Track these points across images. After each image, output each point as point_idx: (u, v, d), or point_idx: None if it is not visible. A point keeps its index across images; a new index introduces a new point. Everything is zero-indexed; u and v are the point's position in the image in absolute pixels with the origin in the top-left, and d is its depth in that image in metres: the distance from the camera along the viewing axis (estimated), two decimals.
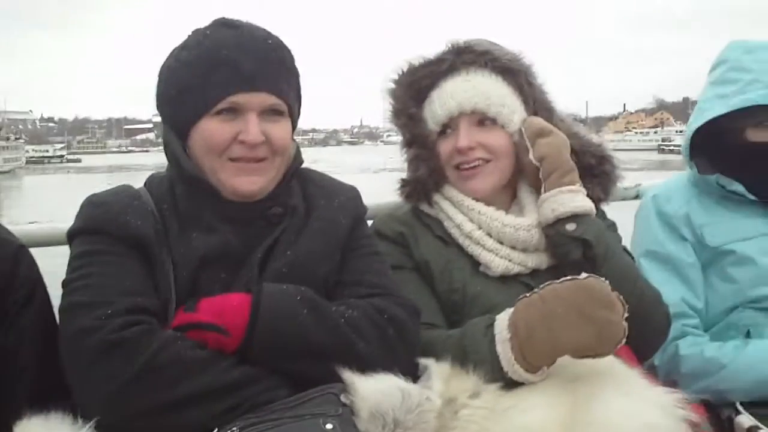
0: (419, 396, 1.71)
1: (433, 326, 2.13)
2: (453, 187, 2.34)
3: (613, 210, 2.52)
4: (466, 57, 2.33)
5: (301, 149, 2.06)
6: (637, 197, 3.14)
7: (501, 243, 2.25)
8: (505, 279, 2.23)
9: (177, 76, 1.90)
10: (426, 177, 2.32)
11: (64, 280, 1.81)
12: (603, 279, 1.85)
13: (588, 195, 2.25)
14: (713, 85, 2.63)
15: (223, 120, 1.86)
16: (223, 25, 1.92)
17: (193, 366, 1.67)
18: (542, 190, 2.24)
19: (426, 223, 2.35)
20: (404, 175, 2.40)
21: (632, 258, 2.42)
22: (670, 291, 2.44)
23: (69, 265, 1.84)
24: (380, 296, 1.93)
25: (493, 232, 2.25)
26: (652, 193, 2.75)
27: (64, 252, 1.96)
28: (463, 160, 2.29)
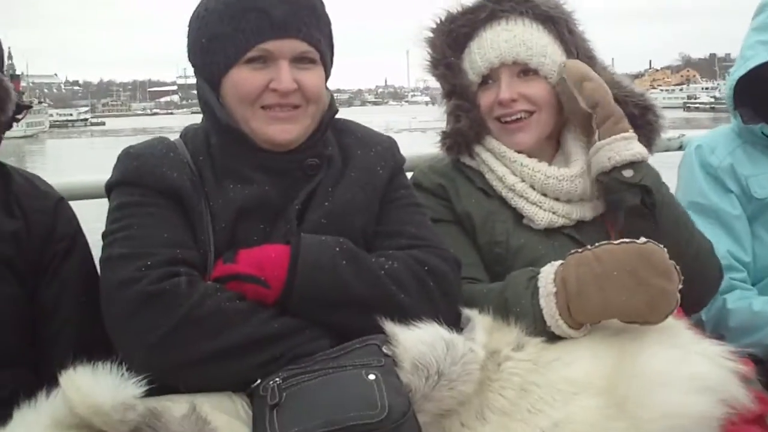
0: (463, 347, 1.69)
1: (474, 280, 2.11)
2: (495, 139, 2.29)
3: (655, 161, 2.46)
4: (505, 4, 2.27)
5: None
6: (680, 148, 3.09)
7: (545, 195, 2.21)
8: (549, 231, 2.20)
9: (206, 24, 1.87)
10: (467, 129, 2.27)
11: (104, 232, 1.81)
12: (661, 246, 1.80)
13: None
14: (756, 31, 2.54)
15: (254, 68, 1.84)
16: None
17: (234, 317, 1.66)
18: (596, 137, 2.18)
19: (467, 175, 2.31)
20: (443, 127, 2.35)
21: None
22: (716, 244, 2.38)
23: (108, 216, 1.83)
24: (420, 248, 1.90)
25: (536, 184, 2.21)
26: (696, 143, 2.69)
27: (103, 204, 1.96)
28: (505, 113, 2.25)
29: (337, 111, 2.00)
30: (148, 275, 1.66)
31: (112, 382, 1.52)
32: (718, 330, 2.41)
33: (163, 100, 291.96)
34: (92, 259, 1.98)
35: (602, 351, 1.80)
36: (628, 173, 2.12)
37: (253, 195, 1.84)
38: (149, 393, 1.56)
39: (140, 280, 1.65)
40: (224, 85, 1.87)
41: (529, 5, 2.26)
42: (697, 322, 2.35)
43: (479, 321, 1.83)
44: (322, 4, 1.93)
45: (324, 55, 1.92)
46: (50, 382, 1.55)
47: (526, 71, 2.24)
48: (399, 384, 1.61)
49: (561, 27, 2.28)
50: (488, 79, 2.27)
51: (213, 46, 1.85)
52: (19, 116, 1.90)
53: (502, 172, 2.25)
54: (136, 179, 1.83)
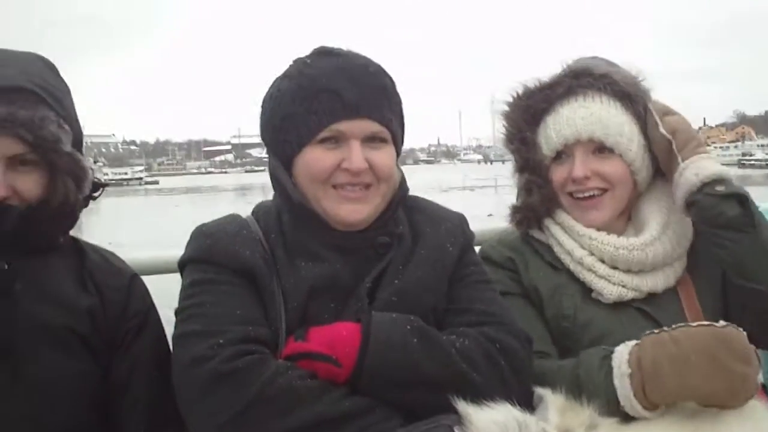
0: (536, 427, 1.66)
1: (542, 354, 2.08)
2: (564, 212, 2.28)
3: None
4: (583, 80, 2.25)
5: None
6: None
7: (614, 268, 2.18)
8: (617, 305, 2.16)
9: (280, 105, 1.90)
10: (538, 204, 2.27)
11: (176, 309, 1.83)
12: (741, 329, 1.77)
13: None
14: None
15: (326, 148, 1.85)
16: (323, 53, 1.92)
17: (305, 396, 1.65)
18: (679, 160, 2.14)
19: (536, 249, 2.30)
20: (514, 200, 2.35)
21: None
22: None
23: (181, 293, 1.86)
24: (491, 324, 1.88)
25: (606, 257, 2.18)
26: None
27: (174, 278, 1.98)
28: (578, 189, 2.23)
29: (407, 190, 2.01)
30: (220, 353, 1.66)
31: None
32: None
33: (217, 159, 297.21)
34: (165, 335, 2.00)
35: (679, 428, 1.76)
36: (720, 187, 2.08)
37: (324, 274, 1.84)
38: None
39: (213, 358, 1.66)
40: (297, 164, 1.89)
41: (607, 81, 2.23)
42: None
43: (552, 400, 1.79)
44: (393, 83, 1.95)
45: (395, 134, 1.93)
46: None
47: (601, 149, 2.21)
48: None
49: (638, 105, 2.25)
50: (562, 154, 2.26)
51: (286, 126, 1.88)
52: (96, 194, 1.95)
53: (571, 246, 2.23)
54: (209, 257, 1.85)
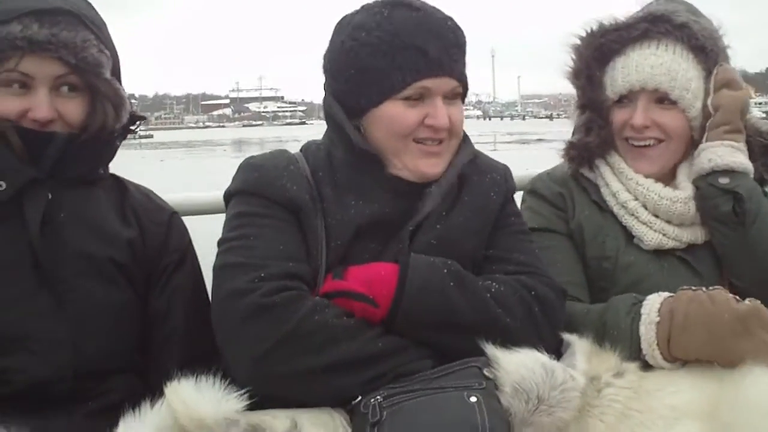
0: (563, 373, 1.67)
1: (575, 299, 2.09)
2: (617, 155, 2.27)
3: None
4: (660, 26, 2.19)
5: None
6: None
7: (656, 216, 2.18)
8: (659, 252, 2.17)
9: (357, 56, 1.85)
10: (595, 145, 2.25)
11: (220, 239, 1.84)
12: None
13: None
14: None
15: (410, 105, 1.85)
16: (401, 5, 1.88)
17: (340, 333, 1.67)
18: (705, 138, 2.16)
19: (583, 186, 2.29)
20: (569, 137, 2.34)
21: None
22: None
23: (226, 224, 1.86)
24: (528, 274, 1.89)
25: (649, 204, 2.18)
26: None
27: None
28: (635, 136, 2.21)
29: (472, 145, 2.01)
30: (260, 287, 1.67)
31: (215, 395, 1.54)
32: None
33: (215, 113, 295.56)
34: (201, 273, 2.04)
35: (702, 381, 1.78)
36: (724, 180, 2.09)
37: (374, 213, 1.85)
38: (251, 406, 1.57)
39: (253, 291, 1.67)
40: (372, 116, 1.87)
41: (686, 32, 2.18)
42: None
43: (579, 346, 1.82)
44: (465, 37, 1.93)
45: (466, 89, 1.94)
46: (156, 390, 1.58)
47: (665, 99, 2.18)
48: (499, 407, 1.60)
49: (711, 62, 2.20)
50: (625, 98, 2.23)
51: (364, 79, 1.85)
52: (133, 126, 1.95)
53: (617, 188, 2.22)
54: (256, 189, 1.85)
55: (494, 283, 1.82)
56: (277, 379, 1.63)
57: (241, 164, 1.93)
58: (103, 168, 1.94)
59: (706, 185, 2.12)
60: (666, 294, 1.88)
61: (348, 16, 1.93)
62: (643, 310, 1.86)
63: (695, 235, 2.17)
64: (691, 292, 1.84)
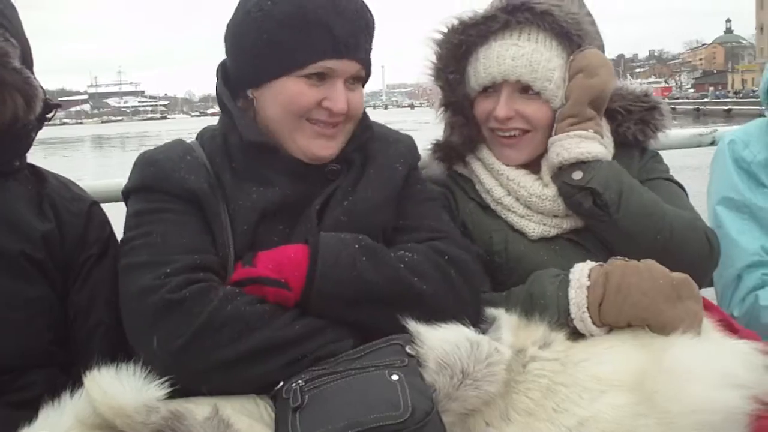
0: (488, 347, 1.66)
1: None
2: (486, 148, 2.26)
3: (687, 157, 2.41)
4: (520, 16, 2.14)
5: None
6: (713, 143, 3.03)
7: (529, 209, 2.17)
8: (546, 238, 2.15)
9: (260, 27, 1.82)
10: (459, 144, 2.24)
11: (122, 240, 1.83)
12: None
13: (623, 134, 2.22)
14: None
15: (310, 84, 1.83)
16: None
17: (254, 321, 1.66)
18: (553, 131, 2.15)
19: (461, 185, 2.28)
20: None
21: (683, 189, 2.29)
22: (749, 239, 2.36)
23: (126, 223, 1.84)
24: (440, 239, 1.89)
25: (521, 199, 2.17)
26: (729, 138, 2.63)
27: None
28: (500, 127, 2.19)
29: (370, 126, 2.00)
30: (167, 283, 1.66)
31: (135, 383, 1.54)
32: (750, 327, 2.33)
33: (73, 109, 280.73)
34: None
35: (630, 348, 1.77)
36: (577, 175, 2.07)
37: (274, 198, 1.84)
38: (172, 395, 1.57)
39: (161, 288, 1.66)
40: (268, 88, 1.86)
41: (548, 20, 2.13)
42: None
43: (505, 320, 1.81)
44: (374, 22, 1.92)
45: (368, 73, 1.93)
46: (79, 382, 1.57)
47: (528, 89, 2.15)
48: (422, 384, 1.59)
49: (576, 47, 2.16)
50: (489, 89, 2.19)
51: (267, 50, 1.83)
52: (49, 115, 1.91)
53: (490, 184, 2.21)
54: (153, 184, 1.83)
55: (407, 253, 1.81)
56: (195, 372, 1.62)
57: (136, 160, 1.91)
58: (19, 160, 1.90)
59: (562, 183, 2.09)
60: (593, 263, 1.88)
61: None
62: (571, 276, 1.86)
63: (574, 222, 2.15)
64: (623, 260, 1.85)
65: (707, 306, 1.95)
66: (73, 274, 1.88)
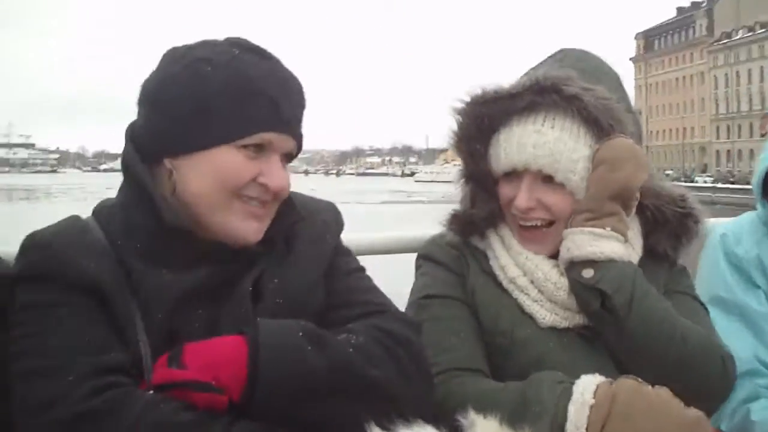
0: None
1: (478, 372, 1.90)
2: (507, 227, 2.06)
3: None
4: (548, 98, 1.96)
5: None
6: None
7: (542, 294, 1.98)
8: (557, 329, 1.96)
9: (196, 93, 1.61)
10: (480, 219, 2.06)
11: (10, 337, 1.51)
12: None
13: (653, 246, 2.05)
14: None
15: (248, 156, 1.63)
16: (252, 50, 1.68)
17: None
18: (568, 224, 1.97)
19: (475, 256, 2.09)
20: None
21: (706, 309, 2.12)
22: (740, 345, 2.16)
23: (15, 318, 1.53)
24: (376, 314, 1.72)
25: (536, 282, 1.98)
26: (721, 231, 2.47)
27: None
28: (522, 216, 2.00)
29: (295, 208, 1.79)
30: (72, 393, 1.38)
31: None
32: None
33: None
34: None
35: None
36: (587, 273, 1.90)
37: (193, 282, 1.59)
38: None
39: (64, 399, 1.38)
40: (196, 159, 1.62)
41: (576, 105, 1.94)
42: None
43: (481, 426, 1.53)
44: (306, 100, 1.77)
45: (299, 152, 1.77)
46: None
47: (551, 178, 1.96)
48: None
49: (605, 135, 1.96)
50: (511, 174, 2.01)
51: (200, 117, 1.60)
52: None
53: (506, 262, 2.02)
54: (45, 273, 1.53)
55: (351, 335, 1.60)
56: None
57: (22, 242, 1.61)
58: None
59: (572, 279, 1.93)
60: (601, 378, 1.70)
61: (182, 48, 1.70)
62: (575, 388, 1.68)
63: (587, 319, 1.96)
64: (633, 381, 1.68)
65: None
66: None
